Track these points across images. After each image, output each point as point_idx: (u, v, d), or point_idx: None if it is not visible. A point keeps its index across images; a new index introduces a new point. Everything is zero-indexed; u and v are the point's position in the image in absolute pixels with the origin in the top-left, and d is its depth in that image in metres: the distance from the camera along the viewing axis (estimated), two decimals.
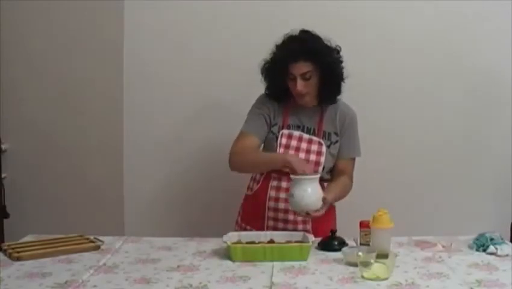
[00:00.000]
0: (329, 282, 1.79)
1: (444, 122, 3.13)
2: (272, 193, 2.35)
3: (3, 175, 3.16)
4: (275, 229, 2.33)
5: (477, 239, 2.15)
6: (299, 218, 2.33)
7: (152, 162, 3.16)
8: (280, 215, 2.35)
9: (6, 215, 3.13)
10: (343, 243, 2.14)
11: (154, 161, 3.16)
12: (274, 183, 2.37)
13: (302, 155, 2.33)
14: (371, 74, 3.03)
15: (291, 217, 2.34)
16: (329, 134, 2.38)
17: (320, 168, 2.33)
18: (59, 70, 3.13)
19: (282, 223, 2.35)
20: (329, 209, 2.31)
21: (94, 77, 3.12)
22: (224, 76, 3.07)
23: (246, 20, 3.05)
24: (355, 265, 1.87)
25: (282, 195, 2.34)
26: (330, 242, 2.15)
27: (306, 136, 2.36)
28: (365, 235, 2.13)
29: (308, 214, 2.17)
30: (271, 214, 2.36)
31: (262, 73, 2.38)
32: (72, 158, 3.18)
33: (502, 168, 3.12)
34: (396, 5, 3.06)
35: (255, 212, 2.41)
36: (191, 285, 1.76)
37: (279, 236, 2.17)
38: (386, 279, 1.79)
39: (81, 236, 2.24)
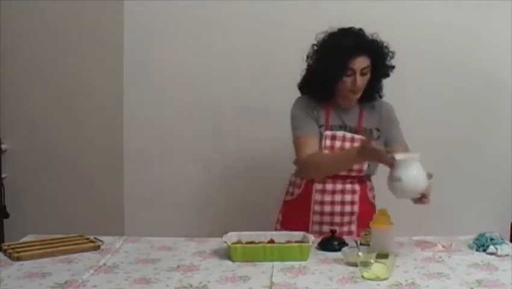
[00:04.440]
0: (329, 282, 1.79)
1: (444, 122, 3.13)
2: (317, 197, 2.32)
3: (3, 175, 3.16)
4: (321, 233, 2.27)
5: (477, 239, 2.15)
6: (345, 220, 2.32)
7: (152, 162, 3.16)
8: (326, 219, 2.32)
9: (6, 215, 3.14)
10: (343, 243, 2.14)
11: (154, 161, 3.16)
12: (319, 186, 2.32)
13: None
14: None
15: (337, 219, 2.32)
16: (370, 130, 2.34)
17: (365, 166, 2.31)
18: (59, 69, 3.14)
19: (328, 226, 2.28)
20: (372, 207, 2.34)
21: (94, 77, 3.12)
22: (225, 76, 3.07)
23: (247, 20, 3.05)
24: (355, 265, 1.87)
25: (327, 198, 2.31)
26: (330, 242, 2.15)
27: (348, 135, 2.30)
28: (365, 235, 2.12)
29: (421, 197, 1.97)
30: (316, 218, 2.32)
31: (310, 73, 2.29)
32: (72, 158, 3.18)
33: (502, 168, 3.12)
34: (396, 5, 3.06)
35: (297, 217, 2.35)
36: (191, 285, 1.76)
37: (279, 236, 2.16)
38: (386, 279, 1.79)
39: (81, 236, 2.23)
